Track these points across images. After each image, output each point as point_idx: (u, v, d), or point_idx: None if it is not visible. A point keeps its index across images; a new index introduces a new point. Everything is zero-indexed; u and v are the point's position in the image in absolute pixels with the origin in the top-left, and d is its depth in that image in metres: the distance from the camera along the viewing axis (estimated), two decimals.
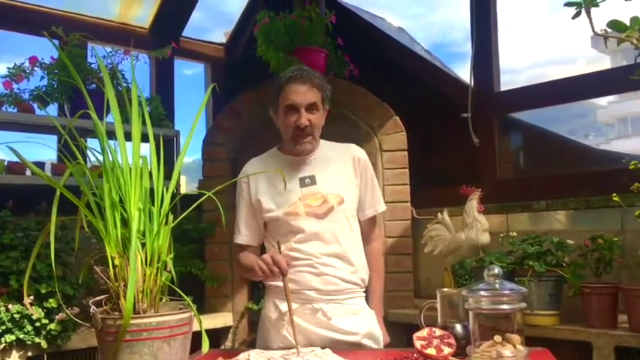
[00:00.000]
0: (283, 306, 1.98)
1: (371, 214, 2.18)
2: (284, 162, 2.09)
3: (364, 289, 2.12)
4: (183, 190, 3.69)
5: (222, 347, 3.31)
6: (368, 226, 2.20)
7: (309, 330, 1.97)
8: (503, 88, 3.53)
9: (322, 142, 2.15)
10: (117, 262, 1.23)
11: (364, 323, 2.04)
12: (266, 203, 2.03)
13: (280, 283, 1.94)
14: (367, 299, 2.16)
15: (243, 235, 2.11)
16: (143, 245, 1.25)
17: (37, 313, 2.45)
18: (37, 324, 2.48)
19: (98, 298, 1.27)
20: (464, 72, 3.65)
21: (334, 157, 2.11)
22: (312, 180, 2.04)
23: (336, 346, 1.90)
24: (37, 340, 2.48)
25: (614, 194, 2.50)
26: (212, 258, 3.42)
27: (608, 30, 1.79)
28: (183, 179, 4.27)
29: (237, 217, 2.13)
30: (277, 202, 2.02)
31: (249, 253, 2.10)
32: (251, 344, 3.27)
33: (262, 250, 2.15)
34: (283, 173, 2.01)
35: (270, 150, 2.19)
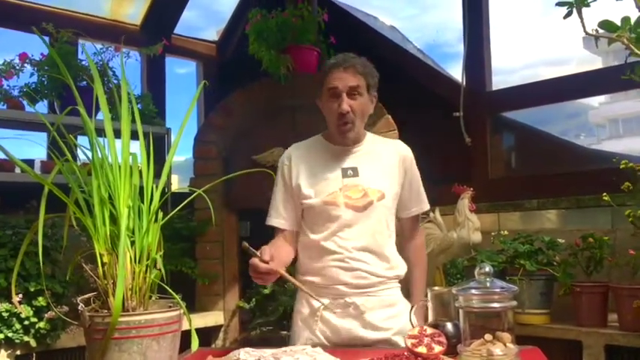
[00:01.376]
0: (316, 302, 1.94)
1: (416, 213, 2.12)
2: (328, 150, 2.04)
3: (399, 283, 2.05)
4: (174, 188, 3.67)
5: (213, 346, 3.30)
6: (411, 224, 2.14)
7: (340, 327, 1.93)
8: (496, 88, 3.54)
9: (369, 135, 2.10)
10: (106, 259, 1.22)
11: (399, 318, 1.94)
12: (305, 189, 1.98)
13: (311, 278, 1.95)
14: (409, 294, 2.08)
15: (276, 218, 2.05)
16: (132, 243, 1.24)
17: (25, 311, 2.44)
18: (26, 322, 2.46)
19: (86, 295, 1.26)
20: (456, 72, 3.66)
21: (380, 152, 2.06)
22: (355, 172, 1.99)
23: (363, 345, 1.88)
24: (25, 338, 2.47)
25: (605, 194, 2.51)
26: (203, 256, 3.41)
27: (600, 30, 1.79)
28: (175, 178, 4.27)
29: (273, 200, 2.07)
30: (317, 190, 1.97)
31: (278, 241, 2.04)
32: (242, 343, 3.26)
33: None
34: (326, 161, 1.99)
35: (314, 136, 2.14)
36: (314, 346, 1.72)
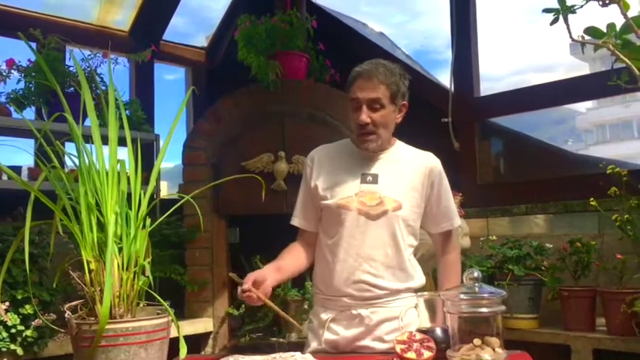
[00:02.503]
0: (324, 314, 1.95)
1: (446, 229, 2.06)
2: (352, 153, 2.03)
3: (413, 293, 1.99)
4: (163, 195, 3.66)
5: (202, 353, 3.28)
6: (443, 239, 2.08)
7: (347, 337, 1.92)
8: (484, 94, 3.56)
9: (399, 143, 2.07)
10: (93, 266, 1.21)
11: (408, 330, 1.75)
12: (322, 190, 1.98)
13: (320, 286, 1.97)
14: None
15: (298, 218, 2.06)
16: (120, 250, 1.24)
17: (12, 319, 2.41)
18: (13, 330, 2.43)
19: (73, 303, 1.25)
20: (445, 78, 3.68)
21: (405, 162, 2.01)
22: (375, 179, 1.95)
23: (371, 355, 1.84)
24: (12, 346, 2.44)
25: (592, 199, 2.53)
26: (192, 263, 3.39)
27: (586, 36, 1.81)
28: (164, 184, 4.24)
29: (297, 200, 2.09)
30: (333, 192, 1.96)
31: (298, 243, 2.05)
32: (231, 350, 3.25)
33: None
34: (348, 165, 1.99)
35: (344, 139, 2.13)
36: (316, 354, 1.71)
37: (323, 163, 2.03)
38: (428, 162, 2.02)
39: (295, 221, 2.07)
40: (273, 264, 1.95)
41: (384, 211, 1.91)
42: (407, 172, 1.99)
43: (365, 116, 1.91)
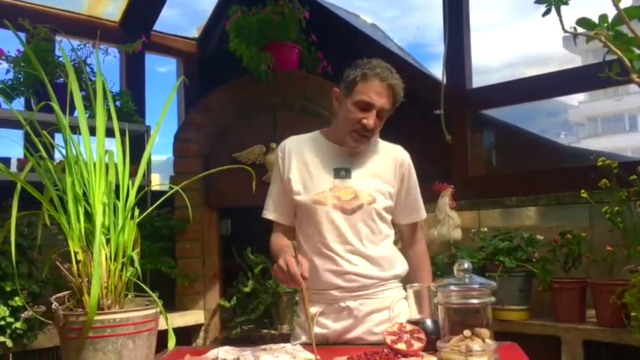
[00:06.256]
0: (311, 309, 1.89)
1: (414, 220, 2.09)
2: (324, 147, 2.01)
3: (400, 282, 2.02)
4: (154, 186, 3.64)
5: (194, 345, 3.28)
6: (410, 231, 2.11)
7: (336, 331, 1.91)
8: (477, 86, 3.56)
9: None
10: (80, 257, 1.20)
11: (398, 320, 1.77)
12: (295, 185, 1.96)
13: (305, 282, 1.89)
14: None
15: (272, 212, 2.03)
16: (108, 240, 1.23)
17: (1, 311, 2.40)
18: (2, 323, 2.42)
19: (61, 294, 1.24)
20: (437, 71, 3.67)
21: (375, 155, 2.02)
22: (347, 173, 1.96)
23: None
24: (2, 339, 2.43)
25: (583, 191, 2.54)
26: (183, 255, 3.38)
27: (578, 28, 1.80)
28: (156, 177, 4.23)
29: (269, 192, 2.06)
30: (307, 187, 1.95)
31: (281, 234, 2.01)
32: (223, 342, 3.24)
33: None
34: (319, 159, 1.97)
35: (313, 132, 2.09)
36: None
37: (294, 155, 2.00)
38: (398, 155, 2.05)
39: (271, 215, 2.03)
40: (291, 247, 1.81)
41: (359, 205, 1.92)
42: (378, 165, 2.00)
43: (372, 121, 1.89)
